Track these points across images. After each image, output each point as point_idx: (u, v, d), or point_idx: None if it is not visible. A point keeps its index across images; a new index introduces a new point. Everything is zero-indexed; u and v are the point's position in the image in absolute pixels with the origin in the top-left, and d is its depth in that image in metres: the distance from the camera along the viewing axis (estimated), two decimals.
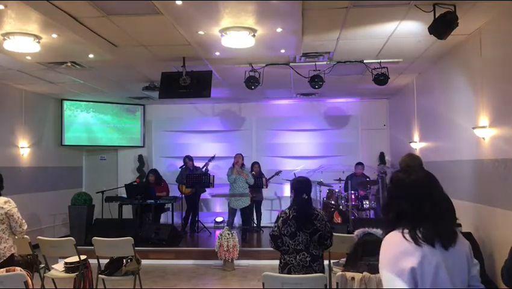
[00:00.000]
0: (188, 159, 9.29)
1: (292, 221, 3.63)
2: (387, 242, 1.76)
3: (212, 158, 9.11)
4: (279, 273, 3.66)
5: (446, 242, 1.71)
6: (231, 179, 8.03)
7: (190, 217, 9.19)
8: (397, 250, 1.70)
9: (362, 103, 10.21)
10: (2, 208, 3.93)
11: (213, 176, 9.11)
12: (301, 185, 3.78)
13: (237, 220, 8.67)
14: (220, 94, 8.82)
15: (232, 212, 8.11)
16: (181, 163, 9.42)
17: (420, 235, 1.69)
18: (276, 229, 3.72)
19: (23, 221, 4.07)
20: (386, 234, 1.79)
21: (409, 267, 1.64)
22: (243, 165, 8.19)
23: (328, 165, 9.75)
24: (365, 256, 3.38)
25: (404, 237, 1.71)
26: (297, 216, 3.64)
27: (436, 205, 1.76)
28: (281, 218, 3.71)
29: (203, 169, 9.10)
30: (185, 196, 9.18)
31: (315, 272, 3.51)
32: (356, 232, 3.73)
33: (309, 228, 3.60)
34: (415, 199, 1.76)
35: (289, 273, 3.58)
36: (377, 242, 3.33)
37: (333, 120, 10.23)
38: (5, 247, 3.93)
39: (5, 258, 3.91)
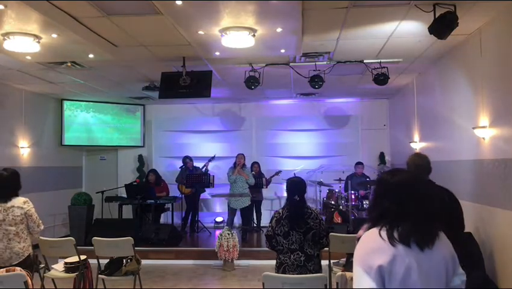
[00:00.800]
0: (188, 159, 9.29)
1: (285, 220, 3.65)
2: (362, 239, 1.79)
3: (212, 158, 9.11)
4: (275, 272, 3.67)
5: (422, 243, 1.71)
6: (231, 179, 8.03)
7: (190, 217, 9.19)
8: (369, 246, 1.73)
9: (362, 103, 10.21)
10: (22, 207, 3.94)
11: (213, 176, 9.12)
12: (294, 186, 3.80)
13: (237, 220, 8.68)
14: (220, 94, 8.82)
15: (232, 212, 8.10)
16: (180, 163, 9.42)
17: (396, 234, 1.71)
18: (270, 229, 3.74)
19: (40, 221, 4.10)
20: (366, 231, 1.82)
21: (377, 265, 1.65)
22: (244, 165, 8.19)
23: (328, 165, 9.75)
24: None
25: (379, 235, 1.73)
26: (289, 215, 3.66)
27: (419, 205, 1.77)
28: (275, 218, 3.74)
29: (203, 169, 9.10)
30: (185, 196, 9.18)
31: (310, 272, 3.52)
32: (360, 232, 3.68)
33: (302, 227, 3.62)
34: (398, 199, 1.79)
35: (284, 272, 3.59)
36: None
37: (333, 120, 10.23)
38: (23, 247, 3.95)
39: (24, 257, 3.94)
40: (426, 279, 1.67)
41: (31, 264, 4.02)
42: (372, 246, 1.72)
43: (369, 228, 1.81)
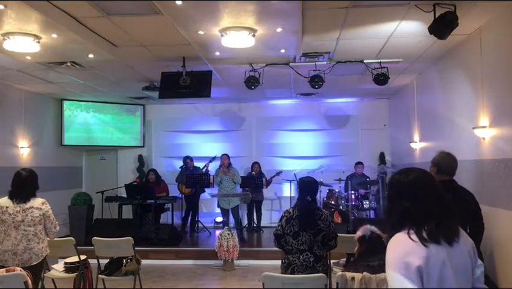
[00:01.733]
0: (189, 159, 9.30)
1: (295, 220, 3.63)
2: (392, 244, 1.76)
3: (213, 159, 9.10)
4: (282, 273, 3.66)
5: (450, 238, 1.72)
6: (216, 181, 8.17)
7: (190, 217, 9.19)
8: (402, 251, 1.70)
9: (362, 103, 10.21)
10: (40, 208, 3.94)
11: (213, 176, 9.11)
12: (306, 186, 3.77)
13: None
14: (220, 94, 8.82)
15: (224, 213, 8.18)
16: (180, 163, 9.43)
17: (425, 234, 1.70)
18: (279, 228, 3.72)
19: (57, 222, 4.11)
20: (390, 237, 1.78)
21: (415, 266, 1.64)
22: (229, 165, 8.27)
23: (328, 165, 9.74)
24: (365, 256, 3.37)
25: (410, 237, 1.71)
26: (300, 216, 3.63)
27: (438, 202, 1.77)
28: (285, 218, 3.70)
29: (204, 170, 9.10)
30: (185, 196, 9.18)
31: (319, 272, 3.49)
32: (360, 232, 3.65)
33: (313, 228, 3.60)
34: (417, 198, 1.77)
35: (292, 273, 3.56)
36: (377, 241, 3.34)
37: (333, 120, 10.23)
38: (42, 247, 3.95)
39: (42, 258, 3.95)
40: (457, 272, 1.70)
41: (41, 265, 4.03)
42: (405, 250, 1.70)
43: (391, 233, 1.79)
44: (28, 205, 3.90)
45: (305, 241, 3.59)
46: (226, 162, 8.29)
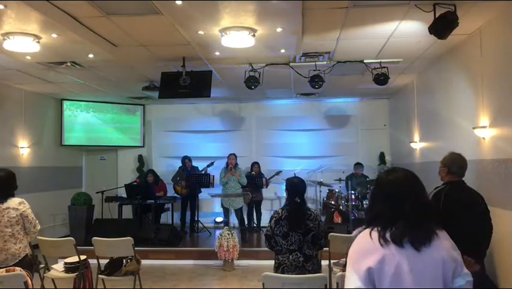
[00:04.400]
0: (187, 159, 9.29)
1: (284, 221, 3.64)
2: (356, 240, 1.78)
3: (211, 164, 9.03)
4: (274, 272, 3.67)
5: (418, 243, 1.67)
6: (222, 181, 8.05)
7: (189, 217, 9.18)
8: (359, 247, 1.73)
9: (362, 103, 10.21)
10: (17, 208, 3.90)
11: (213, 176, 9.10)
12: (294, 187, 3.77)
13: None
14: (220, 94, 8.82)
15: (226, 212, 8.14)
16: (180, 163, 9.42)
17: (387, 235, 1.68)
18: (269, 228, 3.73)
19: (37, 221, 4.07)
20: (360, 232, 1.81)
21: (365, 267, 1.64)
22: (236, 165, 8.20)
23: (328, 165, 9.74)
24: None
25: (370, 236, 1.72)
26: (289, 216, 3.64)
27: (415, 204, 1.74)
28: (274, 218, 3.72)
29: (203, 172, 9.09)
30: (181, 197, 9.16)
31: (309, 272, 3.51)
32: (354, 232, 3.70)
33: (302, 228, 3.61)
34: (391, 198, 1.77)
35: (282, 272, 3.59)
36: None
37: (333, 120, 10.23)
38: (20, 248, 3.92)
39: (20, 258, 3.91)
40: (420, 278, 1.64)
41: (30, 264, 4.00)
42: (362, 247, 1.71)
43: (364, 229, 1.80)
44: (5, 205, 3.86)
45: (294, 241, 3.60)
46: (233, 161, 8.13)
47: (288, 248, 3.61)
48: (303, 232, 3.61)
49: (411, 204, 1.73)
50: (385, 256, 1.64)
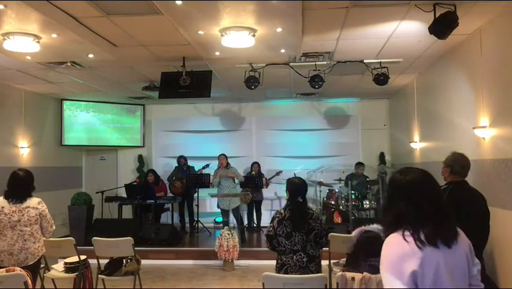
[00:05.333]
0: (182, 159, 9.30)
1: (287, 221, 3.63)
2: (387, 244, 1.75)
3: (207, 166, 9.03)
4: (276, 273, 3.66)
5: (449, 241, 1.71)
6: (215, 182, 8.11)
7: (188, 218, 9.19)
8: (397, 252, 1.70)
9: (362, 103, 10.20)
10: (37, 208, 3.94)
11: (212, 176, 9.10)
12: (296, 188, 3.77)
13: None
14: (220, 94, 8.82)
15: (224, 213, 8.16)
16: None
17: (422, 237, 1.69)
18: (271, 229, 3.72)
19: (53, 221, 4.10)
20: (386, 236, 1.78)
21: (410, 271, 1.64)
22: (227, 164, 8.22)
23: (328, 165, 9.75)
24: (366, 256, 3.37)
25: (405, 239, 1.70)
26: (292, 216, 3.64)
27: (436, 203, 1.75)
28: (276, 219, 3.71)
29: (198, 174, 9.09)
30: (177, 196, 9.14)
31: (312, 272, 3.51)
32: (353, 233, 3.72)
33: (305, 228, 3.61)
34: (413, 199, 1.75)
35: (286, 273, 3.57)
36: (377, 241, 3.34)
37: (333, 120, 10.23)
38: (38, 247, 3.96)
39: (38, 257, 3.95)
40: (453, 273, 1.70)
41: (38, 264, 4.03)
42: (400, 251, 1.69)
43: (386, 233, 1.78)
44: (24, 204, 3.90)
45: (297, 241, 3.60)
46: (224, 162, 8.24)
47: (292, 248, 3.61)
48: (306, 231, 3.61)
49: (434, 204, 1.75)
50: (424, 258, 1.66)
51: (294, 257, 3.59)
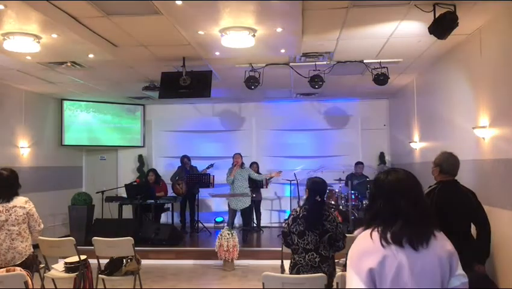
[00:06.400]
0: (186, 159, 9.30)
1: (301, 220, 3.64)
2: (356, 241, 1.78)
3: (211, 166, 9.01)
4: (289, 273, 3.67)
5: (416, 243, 1.68)
6: (229, 180, 8.00)
7: (188, 217, 9.18)
8: (360, 248, 1.72)
9: (362, 103, 10.20)
10: (24, 207, 3.94)
11: (213, 176, 9.10)
12: (316, 187, 3.76)
13: (237, 220, 8.67)
14: (220, 94, 8.82)
15: (232, 214, 8.08)
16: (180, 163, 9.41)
17: (388, 235, 1.69)
18: (286, 226, 3.74)
19: (41, 220, 4.11)
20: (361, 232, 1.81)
21: (367, 268, 1.64)
22: (242, 164, 8.15)
23: (328, 165, 9.74)
24: None
25: (370, 236, 1.72)
26: (306, 215, 3.64)
27: (414, 205, 1.74)
28: (292, 216, 3.73)
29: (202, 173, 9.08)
30: (180, 196, 9.14)
31: (325, 273, 3.48)
32: (356, 232, 3.70)
33: (319, 228, 3.60)
34: (391, 199, 1.77)
35: (298, 272, 3.57)
36: None
37: (333, 120, 10.23)
38: (26, 246, 3.96)
39: (26, 257, 3.95)
40: (419, 279, 1.65)
41: (31, 263, 4.02)
42: (363, 248, 1.71)
43: (364, 229, 1.80)
44: (11, 204, 3.90)
45: (310, 240, 3.60)
46: (239, 161, 8.03)
47: (304, 247, 3.61)
48: (320, 232, 3.59)
49: (410, 204, 1.74)
50: (386, 256, 1.65)
51: (307, 256, 3.59)
